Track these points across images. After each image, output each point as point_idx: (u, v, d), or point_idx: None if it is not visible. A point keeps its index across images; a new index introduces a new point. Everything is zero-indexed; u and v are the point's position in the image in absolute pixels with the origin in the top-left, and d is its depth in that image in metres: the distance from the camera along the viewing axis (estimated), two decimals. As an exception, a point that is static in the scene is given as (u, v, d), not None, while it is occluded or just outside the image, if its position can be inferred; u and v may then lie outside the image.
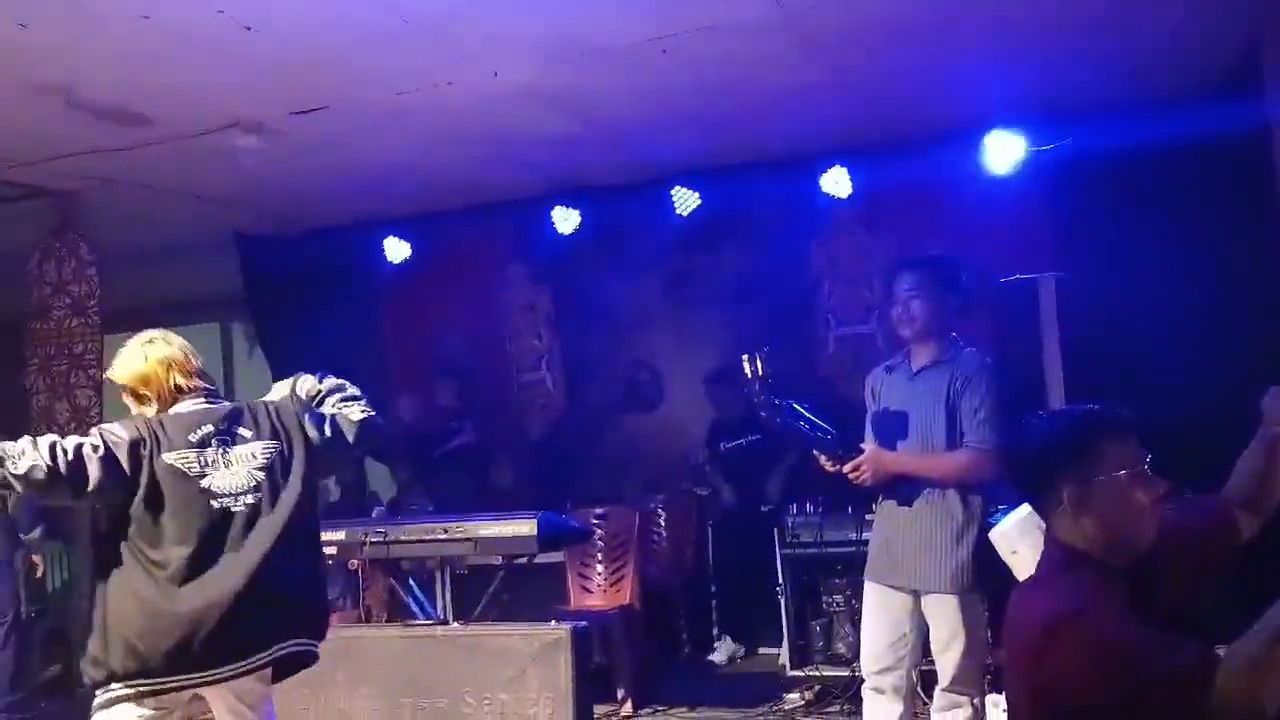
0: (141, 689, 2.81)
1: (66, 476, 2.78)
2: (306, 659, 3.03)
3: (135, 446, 2.90)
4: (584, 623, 4.51)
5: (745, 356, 3.64)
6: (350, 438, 3.19)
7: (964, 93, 5.53)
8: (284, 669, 3.03)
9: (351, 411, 3.24)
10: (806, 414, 3.64)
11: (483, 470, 7.31)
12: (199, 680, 2.84)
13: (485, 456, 7.33)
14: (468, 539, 4.63)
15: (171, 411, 3.06)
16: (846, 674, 5.17)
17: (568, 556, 5.94)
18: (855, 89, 5.42)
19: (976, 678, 3.58)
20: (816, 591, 5.49)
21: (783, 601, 5.52)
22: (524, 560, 4.90)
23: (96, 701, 2.86)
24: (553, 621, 4.54)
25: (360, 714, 4.50)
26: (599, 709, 4.89)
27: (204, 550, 2.86)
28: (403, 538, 4.72)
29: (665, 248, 7.03)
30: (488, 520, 4.66)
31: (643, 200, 6.94)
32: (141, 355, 3.10)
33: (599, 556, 5.98)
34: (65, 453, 2.80)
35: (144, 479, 2.88)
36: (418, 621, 4.77)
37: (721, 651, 6.43)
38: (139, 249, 7.26)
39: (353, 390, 3.33)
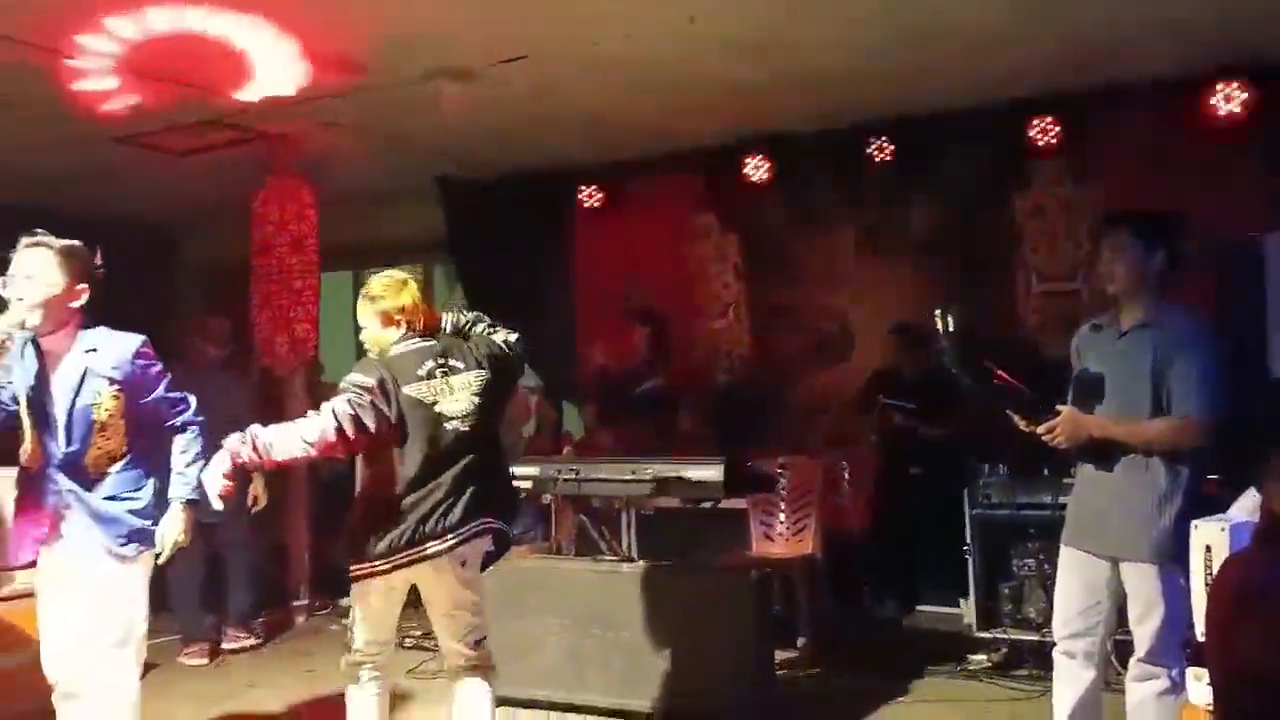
0: (385, 566, 3.45)
1: (354, 433, 3.37)
2: (503, 535, 3.66)
3: (383, 385, 3.45)
4: (766, 570, 4.57)
5: (937, 311, 3.58)
6: (514, 357, 3.77)
7: (1185, 37, 5.21)
8: (491, 554, 3.64)
9: (507, 336, 3.79)
10: (999, 372, 3.54)
11: (669, 415, 7.41)
12: (431, 551, 3.45)
13: (673, 402, 7.43)
14: (655, 480, 4.73)
15: (393, 352, 3.57)
16: (1035, 638, 5.07)
17: (751, 504, 5.99)
18: (1061, 33, 5.17)
19: (1174, 650, 3.44)
20: (1007, 554, 5.38)
21: (970, 561, 5.43)
22: (708, 505, 4.97)
23: (352, 577, 3.52)
24: (736, 566, 4.61)
25: (548, 639, 4.70)
26: (778, 655, 4.95)
27: (438, 461, 3.49)
28: (593, 476, 4.87)
29: (858, 198, 6.92)
30: (675, 464, 4.75)
31: (836, 149, 6.86)
32: (408, 288, 3.67)
33: (782, 505, 6.01)
34: (338, 414, 3.37)
35: (394, 411, 3.45)
36: (605, 557, 4.92)
37: (903, 608, 6.38)
38: (350, 192, 7.67)
39: (489, 320, 3.85)
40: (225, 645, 6.25)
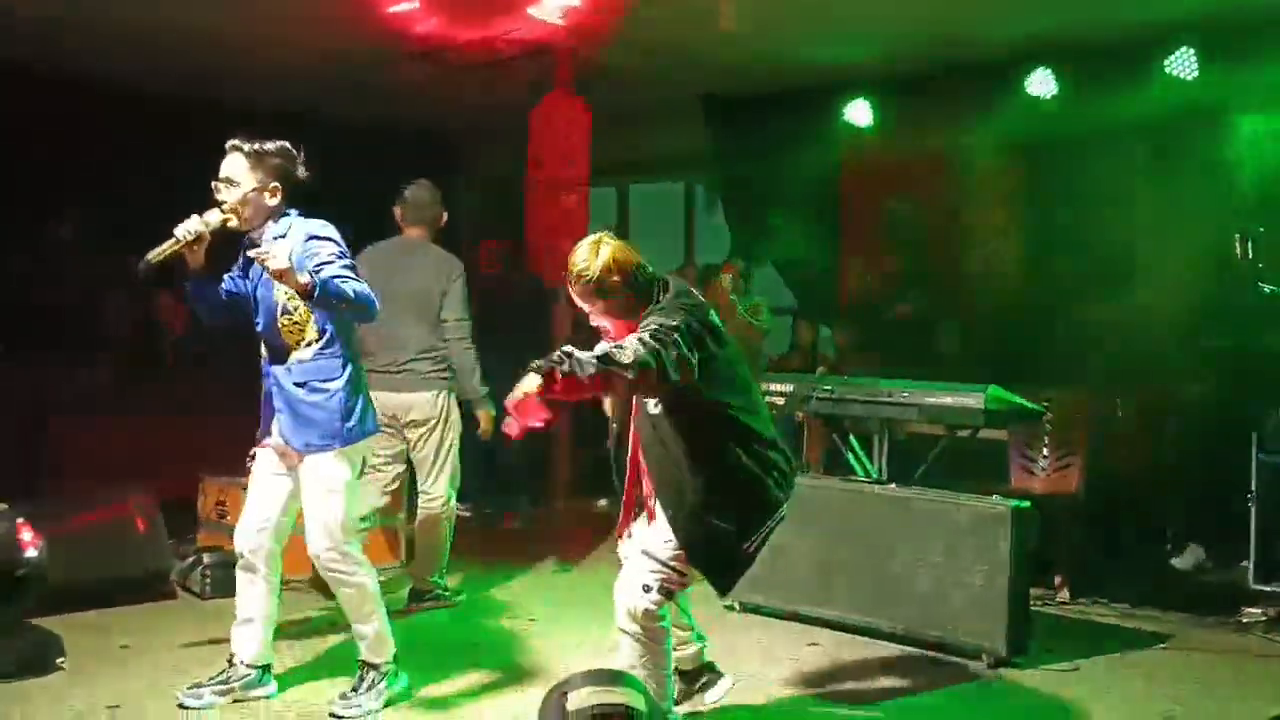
0: None
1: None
2: None
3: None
4: (1026, 503, 4.43)
5: (1237, 235, 3.31)
6: None
7: None
8: None
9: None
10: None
11: (927, 340, 7.24)
12: None
13: (931, 326, 7.24)
14: (913, 405, 4.66)
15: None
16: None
17: (1012, 436, 5.80)
18: None
19: None
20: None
21: (1253, 510, 5.07)
22: (966, 433, 4.85)
23: None
24: (994, 497, 4.49)
25: (798, 554, 4.75)
26: (1034, 591, 4.81)
27: None
28: (849, 396, 4.85)
29: (1151, 116, 6.40)
30: (935, 389, 4.65)
31: (1131, 63, 6.37)
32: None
33: (1046, 440, 5.78)
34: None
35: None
36: (855, 478, 4.91)
37: (1172, 553, 6.04)
38: (617, 108, 7.81)
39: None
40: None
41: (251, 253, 3.42)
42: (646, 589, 3.20)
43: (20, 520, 4.06)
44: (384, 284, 4.04)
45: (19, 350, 6.37)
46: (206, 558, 5.02)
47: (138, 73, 7.47)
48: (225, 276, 3.73)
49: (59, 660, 3.95)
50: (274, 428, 3.64)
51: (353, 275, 3.46)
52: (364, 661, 3.73)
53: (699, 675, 3.69)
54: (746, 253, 7.95)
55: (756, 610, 4.96)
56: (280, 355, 3.60)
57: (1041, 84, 6.55)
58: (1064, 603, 5.35)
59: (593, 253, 3.18)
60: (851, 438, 5.08)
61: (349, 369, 3.61)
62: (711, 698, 3.67)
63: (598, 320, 3.27)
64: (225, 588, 4.26)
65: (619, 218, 9.72)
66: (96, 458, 5.92)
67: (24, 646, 3.92)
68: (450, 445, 4.91)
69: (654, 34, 6.37)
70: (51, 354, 6.46)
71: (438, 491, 4.91)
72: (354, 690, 3.68)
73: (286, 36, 6.67)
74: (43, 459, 6.09)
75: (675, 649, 3.47)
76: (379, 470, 4.79)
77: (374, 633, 3.70)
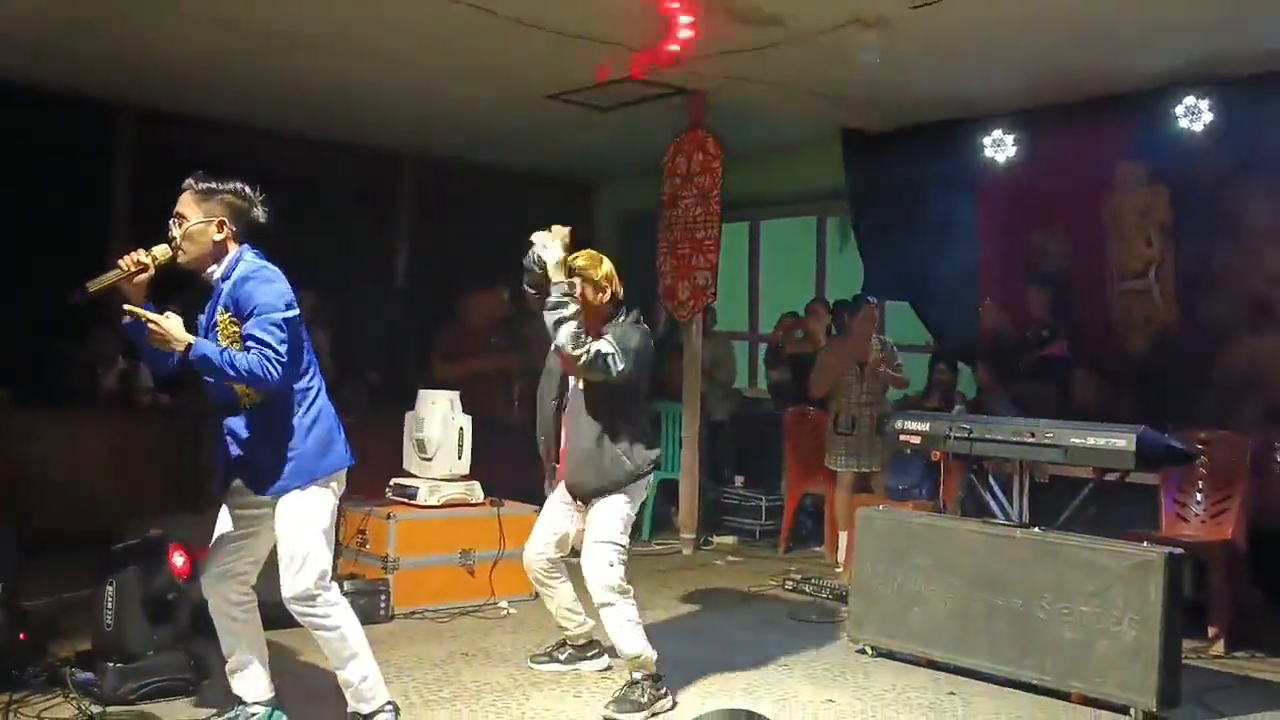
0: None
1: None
2: None
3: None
4: (1178, 550, 4.23)
5: None
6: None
7: None
8: None
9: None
10: None
11: (1067, 381, 7.00)
12: None
13: (1072, 367, 7.00)
14: (1057, 446, 4.50)
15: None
16: None
17: (1164, 480, 5.55)
18: None
19: None
20: None
21: None
22: (1114, 476, 4.66)
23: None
24: (1144, 543, 4.31)
25: (935, 598, 4.65)
26: (1186, 643, 4.57)
27: None
28: (988, 436, 4.71)
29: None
30: (1081, 430, 4.49)
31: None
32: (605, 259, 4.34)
33: (1200, 485, 5.52)
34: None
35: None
36: (995, 520, 4.77)
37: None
38: (753, 145, 7.85)
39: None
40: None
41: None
42: (611, 564, 4.11)
43: (173, 544, 4.22)
44: None
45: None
46: (346, 585, 5.16)
47: (298, 121, 7.91)
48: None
49: (203, 681, 4.10)
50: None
51: (272, 335, 3.33)
52: (353, 713, 3.55)
53: (589, 647, 4.60)
54: (881, 289, 7.86)
55: (890, 655, 4.84)
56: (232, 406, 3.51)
57: (1192, 114, 6.31)
58: (1218, 656, 5.08)
59: (599, 261, 4.31)
60: (991, 479, 4.93)
61: (315, 406, 3.54)
62: (592, 667, 4.56)
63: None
64: (366, 615, 4.39)
65: (750, 252, 9.73)
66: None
67: (180, 664, 4.07)
68: None
69: (793, 70, 6.38)
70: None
71: None
72: None
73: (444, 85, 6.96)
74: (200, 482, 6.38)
75: (572, 628, 4.53)
76: None
77: (358, 682, 3.52)
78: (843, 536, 6.56)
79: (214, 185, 3.51)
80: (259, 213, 3.56)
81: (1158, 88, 6.38)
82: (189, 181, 3.53)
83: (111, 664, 3.95)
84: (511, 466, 5.69)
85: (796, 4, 5.32)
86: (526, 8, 5.54)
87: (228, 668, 3.67)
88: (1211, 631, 5.16)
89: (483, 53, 6.32)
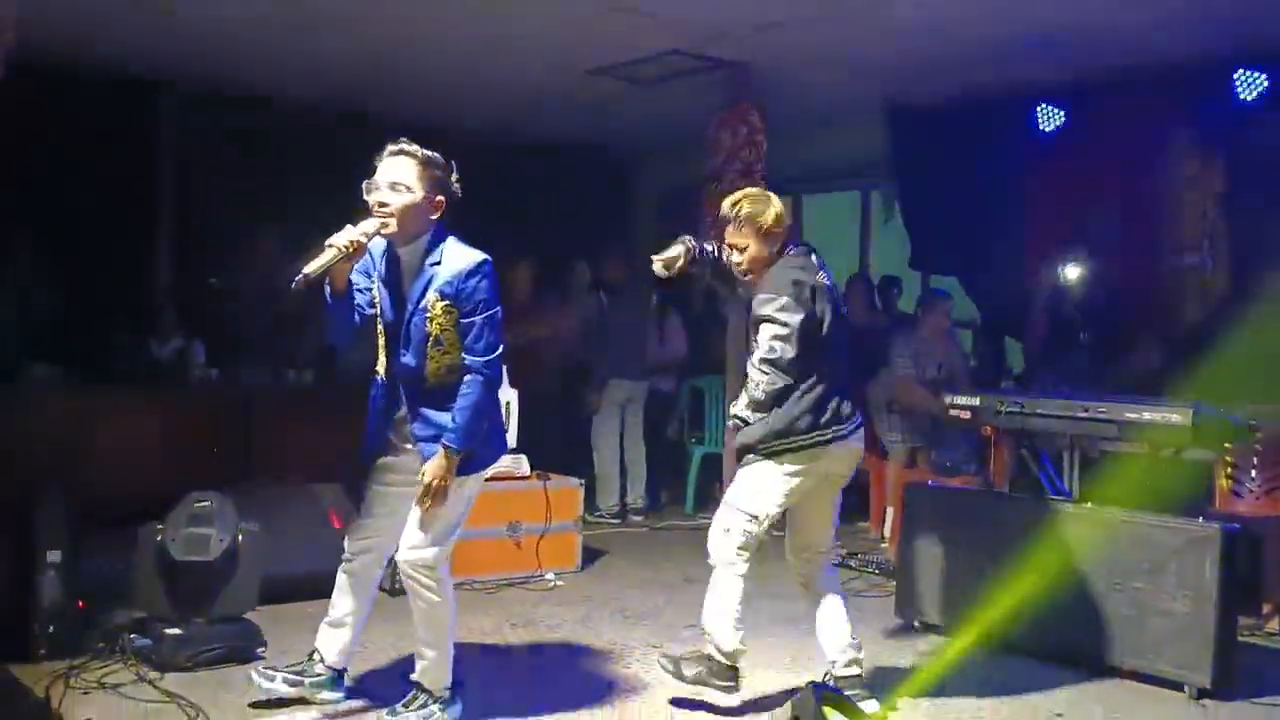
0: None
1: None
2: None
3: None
4: (1235, 525, 4.17)
5: None
6: None
7: None
8: None
9: None
10: None
11: (1115, 355, 6.90)
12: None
13: (1122, 341, 6.90)
14: (1111, 421, 4.44)
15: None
16: None
17: (1218, 456, 5.46)
18: None
19: None
20: None
21: None
22: (1169, 452, 4.59)
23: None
24: (1200, 518, 4.24)
25: (984, 574, 4.58)
26: (1241, 620, 4.51)
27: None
28: (1040, 411, 4.65)
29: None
30: (1136, 405, 4.43)
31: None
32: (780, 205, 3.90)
33: (1255, 460, 5.42)
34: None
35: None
36: (1047, 495, 4.71)
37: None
38: (796, 119, 7.78)
39: None
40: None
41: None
42: (728, 530, 3.81)
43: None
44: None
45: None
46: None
47: (328, 94, 7.91)
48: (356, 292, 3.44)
49: (259, 649, 4.14)
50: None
51: (489, 328, 3.34)
52: (416, 682, 3.54)
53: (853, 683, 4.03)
54: (928, 263, 7.79)
55: (938, 631, 4.82)
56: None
57: (1250, 83, 6.17)
58: (1274, 633, 5.01)
59: (768, 200, 3.87)
60: (1039, 454, 4.87)
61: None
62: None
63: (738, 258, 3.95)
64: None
65: (793, 227, 9.64)
66: (291, 457, 6.23)
67: (228, 635, 4.12)
68: None
69: (835, 42, 6.30)
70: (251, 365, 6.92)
71: None
72: (403, 706, 3.51)
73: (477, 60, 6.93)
74: (251, 458, 6.44)
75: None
76: None
77: (434, 658, 3.51)
78: (889, 511, 6.53)
79: (434, 155, 3.32)
80: (456, 188, 3.39)
81: (1213, 57, 6.24)
82: (405, 146, 3.30)
83: (169, 630, 4.01)
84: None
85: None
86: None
87: (326, 620, 3.69)
88: (1266, 609, 5.09)
89: (518, 26, 6.28)
